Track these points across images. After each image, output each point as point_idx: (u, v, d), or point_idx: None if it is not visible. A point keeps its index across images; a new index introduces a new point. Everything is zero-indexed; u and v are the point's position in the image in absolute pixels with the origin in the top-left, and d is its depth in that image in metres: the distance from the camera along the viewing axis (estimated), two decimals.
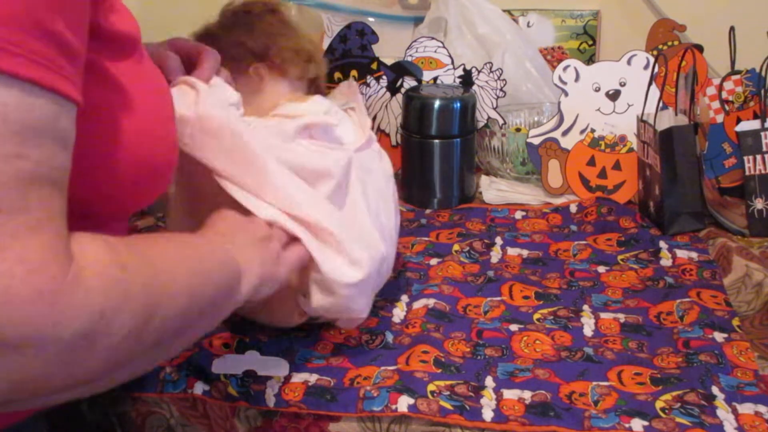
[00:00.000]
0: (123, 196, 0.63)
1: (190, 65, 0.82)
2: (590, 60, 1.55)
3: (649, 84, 1.20)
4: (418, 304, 0.98)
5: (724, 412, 0.76)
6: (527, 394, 0.80)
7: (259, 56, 0.96)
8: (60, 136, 0.49)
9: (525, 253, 1.14)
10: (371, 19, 1.56)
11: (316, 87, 1.01)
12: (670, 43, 1.43)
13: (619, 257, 1.10)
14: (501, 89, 1.34)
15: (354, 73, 1.39)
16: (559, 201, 1.29)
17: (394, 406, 0.77)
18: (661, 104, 1.17)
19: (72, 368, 0.48)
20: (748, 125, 1.15)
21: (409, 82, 1.38)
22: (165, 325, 0.54)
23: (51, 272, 0.45)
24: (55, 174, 0.49)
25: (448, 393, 0.80)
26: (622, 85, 1.25)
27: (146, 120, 0.63)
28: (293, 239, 0.77)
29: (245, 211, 0.76)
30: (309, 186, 0.81)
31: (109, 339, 0.49)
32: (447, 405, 0.77)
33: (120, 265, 0.50)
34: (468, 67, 1.37)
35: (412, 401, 0.78)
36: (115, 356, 0.50)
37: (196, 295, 0.58)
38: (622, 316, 0.95)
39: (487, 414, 0.77)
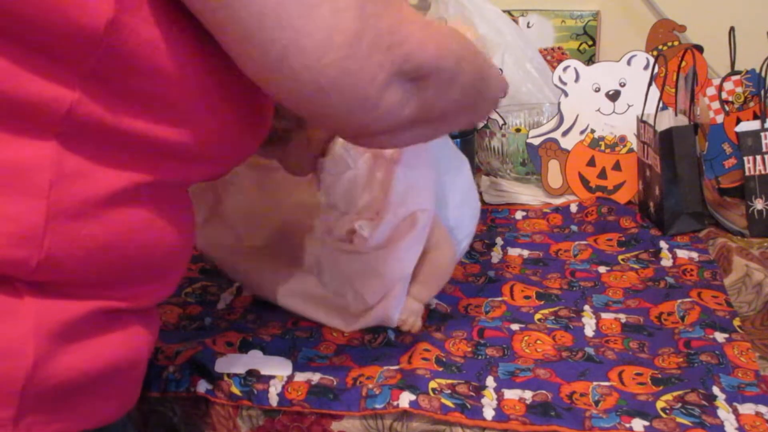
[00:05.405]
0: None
1: None
2: (590, 60, 1.56)
3: (649, 84, 1.21)
4: None
5: (725, 413, 0.76)
6: (528, 394, 0.80)
7: None
8: None
9: (525, 253, 1.14)
10: None
11: None
12: (670, 44, 1.44)
13: (620, 257, 1.10)
14: None
15: None
16: (559, 201, 1.29)
17: (395, 403, 0.77)
18: (661, 105, 1.17)
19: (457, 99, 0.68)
20: (748, 126, 1.16)
21: None
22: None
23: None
24: None
25: (449, 392, 0.80)
26: (622, 85, 1.26)
27: None
28: None
29: None
30: None
31: (463, 77, 0.67)
32: (448, 403, 0.78)
33: (454, 32, 0.68)
34: None
35: (413, 397, 0.78)
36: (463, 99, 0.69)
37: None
38: (623, 317, 0.95)
39: (488, 413, 0.77)
